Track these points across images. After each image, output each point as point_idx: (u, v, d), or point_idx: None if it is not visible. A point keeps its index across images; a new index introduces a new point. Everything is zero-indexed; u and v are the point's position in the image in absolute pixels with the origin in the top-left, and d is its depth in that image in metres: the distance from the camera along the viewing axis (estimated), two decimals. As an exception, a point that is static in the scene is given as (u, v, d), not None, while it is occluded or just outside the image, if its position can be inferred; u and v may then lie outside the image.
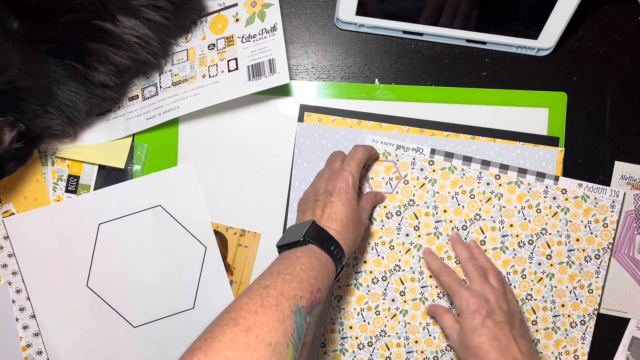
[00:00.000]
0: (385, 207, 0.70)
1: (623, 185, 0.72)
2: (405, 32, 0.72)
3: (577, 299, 0.70)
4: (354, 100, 0.72)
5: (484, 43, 0.72)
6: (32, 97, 0.60)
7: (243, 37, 0.69)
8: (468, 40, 0.72)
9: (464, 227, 0.70)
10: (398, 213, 0.70)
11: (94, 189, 0.73)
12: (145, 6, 0.61)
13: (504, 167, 0.70)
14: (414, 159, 0.70)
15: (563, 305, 0.70)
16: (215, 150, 0.72)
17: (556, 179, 0.70)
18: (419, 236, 0.70)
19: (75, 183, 0.73)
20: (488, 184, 0.70)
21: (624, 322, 0.73)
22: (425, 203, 0.70)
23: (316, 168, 0.71)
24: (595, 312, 0.70)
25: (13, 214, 0.72)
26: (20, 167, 0.65)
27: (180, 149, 0.73)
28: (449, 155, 0.70)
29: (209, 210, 0.72)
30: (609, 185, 0.72)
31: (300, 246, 0.57)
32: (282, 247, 0.59)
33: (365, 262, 0.71)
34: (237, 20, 0.70)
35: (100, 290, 0.72)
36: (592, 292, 0.69)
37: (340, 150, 0.69)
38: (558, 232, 0.70)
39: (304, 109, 0.72)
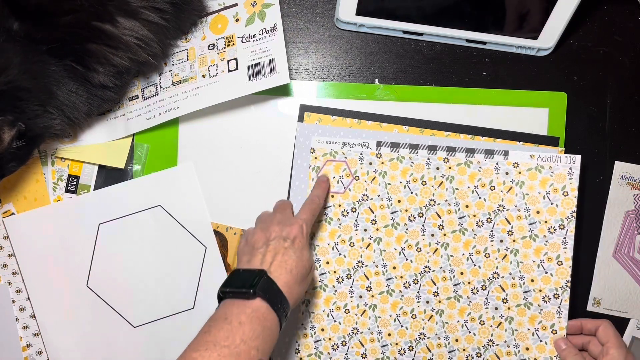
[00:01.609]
0: (339, 205, 0.70)
1: (623, 185, 0.72)
2: (405, 32, 0.72)
3: (546, 273, 0.68)
4: (354, 100, 0.72)
5: (484, 43, 0.72)
6: (32, 97, 0.60)
7: (243, 37, 0.69)
8: (468, 40, 0.72)
9: (420, 215, 0.70)
10: (353, 210, 0.70)
11: (94, 189, 0.73)
12: (145, 8, 0.61)
13: (451, 150, 0.70)
14: (361, 154, 0.70)
15: (532, 280, 0.69)
16: (215, 150, 0.72)
17: (506, 153, 0.69)
18: (377, 229, 0.70)
19: (75, 183, 0.73)
20: (438, 168, 0.70)
21: (624, 322, 0.73)
22: (379, 196, 0.70)
23: (316, 168, 0.71)
24: (568, 285, 0.68)
25: (13, 214, 0.72)
26: (20, 167, 0.65)
27: (180, 149, 0.73)
28: (395, 146, 0.70)
29: (209, 210, 0.72)
30: (609, 185, 0.72)
31: (247, 299, 0.55)
32: (225, 294, 0.57)
33: (327, 262, 0.70)
34: (237, 20, 0.70)
35: (100, 290, 0.72)
36: (562, 264, 0.68)
37: (288, 201, 0.69)
38: (516, 206, 0.69)
39: (304, 109, 0.72)
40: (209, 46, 0.70)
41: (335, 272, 0.70)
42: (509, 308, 0.69)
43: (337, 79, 0.73)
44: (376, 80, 0.73)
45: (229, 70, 0.69)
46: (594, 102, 0.73)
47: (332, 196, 0.70)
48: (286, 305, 0.57)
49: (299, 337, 0.71)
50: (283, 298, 0.57)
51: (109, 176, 0.73)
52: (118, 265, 0.72)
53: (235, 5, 0.70)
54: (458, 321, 0.70)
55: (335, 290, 0.71)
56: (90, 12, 0.59)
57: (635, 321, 0.73)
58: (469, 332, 0.70)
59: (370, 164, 0.70)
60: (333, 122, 0.72)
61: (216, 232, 0.72)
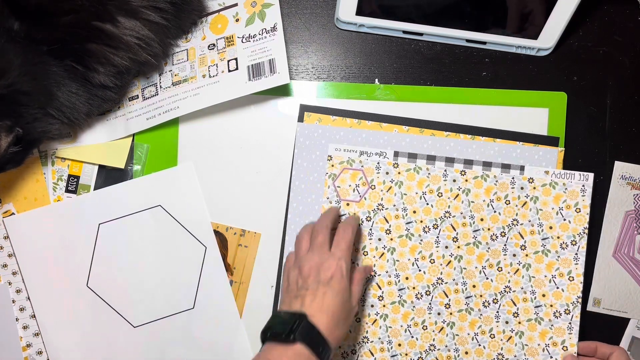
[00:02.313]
0: (354, 213, 0.70)
1: (623, 185, 0.72)
2: (405, 32, 0.72)
3: (557, 288, 0.69)
4: (354, 100, 0.72)
5: (484, 43, 0.72)
6: (32, 101, 0.60)
7: (243, 37, 0.69)
8: (468, 40, 0.72)
9: (435, 226, 0.70)
10: (368, 219, 0.70)
11: (94, 189, 0.73)
12: (146, 7, 0.61)
13: (469, 163, 0.70)
14: (378, 163, 0.70)
15: (544, 295, 0.69)
16: (215, 150, 0.72)
17: (522, 168, 0.69)
18: (391, 239, 0.70)
19: (75, 183, 0.73)
20: (454, 180, 0.70)
21: (624, 322, 0.73)
22: (394, 206, 0.70)
23: (316, 168, 0.71)
24: (579, 300, 0.68)
25: (13, 214, 0.72)
26: (17, 167, 0.65)
27: (180, 149, 0.73)
28: (412, 156, 0.70)
29: (209, 210, 0.72)
30: (609, 185, 0.72)
31: (287, 343, 0.55)
32: (267, 338, 0.57)
33: None
34: (237, 20, 0.70)
35: (100, 290, 0.72)
36: (573, 280, 0.68)
37: (312, 223, 0.67)
38: (530, 221, 0.69)
39: (304, 109, 0.72)
40: (209, 46, 0.70)
41: None
42: (519, 322, 0.69)
43: (337, 79, 0.73)
44: (376, 80, 0.73)
45: (229, 70, 0.69)
46: (594, 102, 0.73)
47: (348, 204, 0.70)
48: (327, 349, 0.57)
49: None
50: (323, 342, 0.56)
51: (109, 176, 0.73)
52: (118, 265, 0.72)
53: (235, 5, 0.70)
54: (468, 334, 0.70)
55: None
56: (91, 12, 0.59)
57: (635, 321, 0.73)
58: (479, 345, 0.70)
59: (387, 173, 0.70)
60: (333, 122, 0.72)
61: (216, 232, 0.72)
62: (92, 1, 0.58)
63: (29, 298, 0.72)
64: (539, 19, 0.68)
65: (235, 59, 0.69)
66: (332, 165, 0.71)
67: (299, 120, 0.72)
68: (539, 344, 0.69)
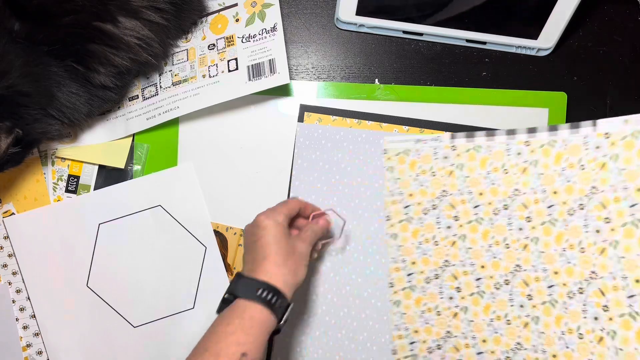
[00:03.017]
0: (419, 203, 0.66)
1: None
2: (405, 32, 0.72)
3: None
4: (354, 100, 0.72)
5: (484, 43, 0.72)
6: (32, 102, 0.60)
7: (243, 37, 0.69)
8: (468, 40, 0.72)
9: (505, 207, 0.63)
10: (434, 207, 0.66)
11: (94, 189, 0.73)
12: (146, 7, 0.61)
13: (532, 131, 0.62)
14: (435, 148, 0.66)
15: (637, 281, 0.55)
16: (215, 150, 0.73)
17: (594, 123, 0.58)
18: (461, 226, 0.65)
19: (75, 183, 0.73)
20: (519, 153, 0.62)
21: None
22: (459, 190, 0.65)
23: (316, 168, 0.71)
24: None
25: (13, 214, 0.72)
26: (16, 167, 0.65)
27: (180, 149, 0.73)
28: (470, 136, 0.66)
29: (209, 210, 0.72)
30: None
31: (228, 305, 0.55)
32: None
33: (413, 263, 0.67)
34: (237, 20, 0.70)
35: (100, 290, 0.72)
36: None
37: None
38: (612, 186, 0.56)
39: (304, 109, 0.72)
40: (209, 46, 0.70)
41: (422, 272, 0.67)
42: (610, 319, 0.57)
43: (337, 79, 0.73)
44: (376, 80, 0.73)
45: (229, 70, 0.69)
46: (594, 102, 0.73)
47: (411, 195, 0.67)
48: (269, 291, 0.54)
49: (393, 338, 0.67)
50: (262, 284, 0.54)
51: (109, 176, 0.73)
52: (118, 265, 0.72)
53: (235, 5, 0.70)
54: (554, 332, 0.61)
55: (424, 291, 0.67)
56: (91, 12, 0.59)
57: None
58: (567, 348, 0.61)
59: (446, 157, 0.66)
60: (333, 122, 0.72)
61: (216, 232, 0.72)
62: (93, 1, 0.58)
63: (29, 298, 0.72)
64: (539, 19, 0.68)
65: (235, 59, 0.69)
66: (389, 158, 0.69)
67: (299, 120, 0.72)
68: (635, 348, 0.56)
